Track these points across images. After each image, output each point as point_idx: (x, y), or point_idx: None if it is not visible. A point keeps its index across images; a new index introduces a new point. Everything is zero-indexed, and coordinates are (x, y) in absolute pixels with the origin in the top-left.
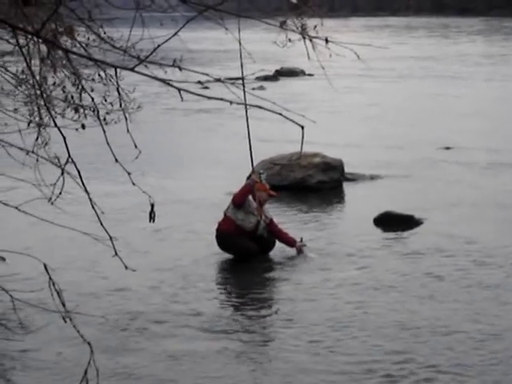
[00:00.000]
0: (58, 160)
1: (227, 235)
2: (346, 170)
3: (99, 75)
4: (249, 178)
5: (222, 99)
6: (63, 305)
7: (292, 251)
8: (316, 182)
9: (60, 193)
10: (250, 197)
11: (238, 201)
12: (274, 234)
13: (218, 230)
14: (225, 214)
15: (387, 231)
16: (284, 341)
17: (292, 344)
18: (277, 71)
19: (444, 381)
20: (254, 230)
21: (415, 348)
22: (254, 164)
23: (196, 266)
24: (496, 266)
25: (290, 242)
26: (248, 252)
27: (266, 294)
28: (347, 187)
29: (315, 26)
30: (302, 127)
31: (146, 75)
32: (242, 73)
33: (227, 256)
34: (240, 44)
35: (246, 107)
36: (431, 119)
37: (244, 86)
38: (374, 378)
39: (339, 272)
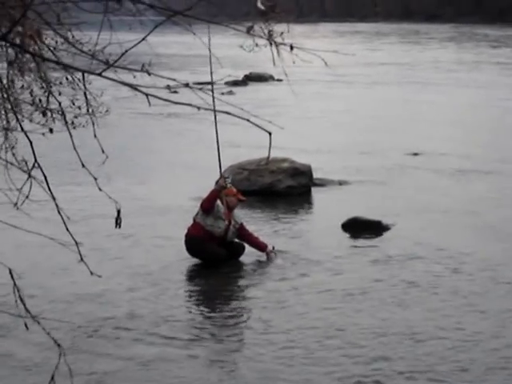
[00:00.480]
0: (26, 164)
1: (196, 240)
2: (315, 175)
3: (67, 79)
4: (217, 182)
5: (189, 105)
6: (27, 311)
7: (261, 256)
8: (285, 187)
9: (27, 196)
10: (219, 202)
11: (206, 206)
12: (245, 238)
13: (187, 235)
14: (194, 220)
15: (355, 236)
16: (253, 348)
17: (261, 351)
18: (246, 76)
19: None
20: (223, 236)
21: (387, 355)
22: (223, 169)
23: (165, 271)
24: (465, 273)
25: (260, 246)
26: (217, 257)
27: (235, 300)
28: (316, 193)
29: (282, 33)
30: (270, 133)
31: (113, 80)
32: (212, 78)
33: (196, 261)
34: (210, 51)
35: (214, 113)
36: (400, 125)
37: (213, 92)
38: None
39: (308, 277)
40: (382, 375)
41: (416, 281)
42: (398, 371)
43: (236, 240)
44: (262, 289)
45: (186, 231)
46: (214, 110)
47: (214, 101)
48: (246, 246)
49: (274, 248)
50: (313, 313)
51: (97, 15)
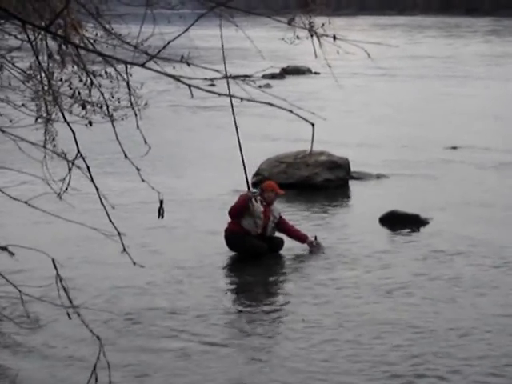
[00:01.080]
0: (65, 155)
1: (235, 235)
2: (352, 168)
3: (106, 72)
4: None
5: (232, 96)
6: (70, 301)
7: (303, 250)
8: (322, 181)
9: (66, 188)
10: (255, 202)
11: (234, 215)
12: (285, 231)
13: (226, 230)
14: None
15: (393, 230)
16: (291, 344)
17: (299, 348)
18: (283, 69)
19: None
20: (262, 233)
21: (431, 351)
22: (261, 161)
23: (205, 264)
24: (507, 268)
25: (301, 238)
26: (256, 250)
27: (274, 295)
28: (353, 186)
29: (323, 24)
30: (313, 125)
31: (156, 71)
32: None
33: (237, 255)
34: (222, 45)
35: (232, 103)
36: (440, 119)
37: (226, 84)
38: (383, 380)
39: (347, 272)
40: (423, 370)
41: (457, 276)
42: (439, 367)
43: (276, 235)
44: (301, 283)
45: (225, 226)
46: (254, 101)
47: (230, 95)
48: (287, 239)
49: (316, 238)
50: (350, 306)
51: (135, 8)
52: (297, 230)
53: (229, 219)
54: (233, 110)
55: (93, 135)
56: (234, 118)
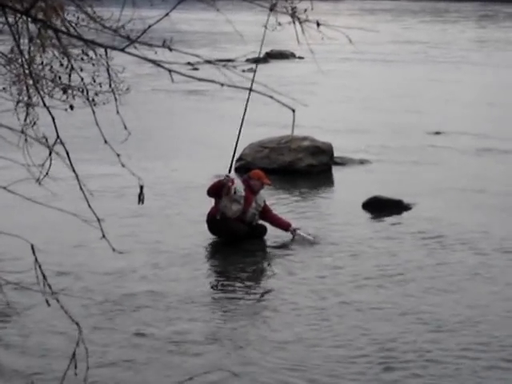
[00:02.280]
0: (47, 140)
1: (215, 219)
2: (336, 154)
3: (87, 55)
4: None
5: (212, 81)
6: (49, 287)
7: (286, 236)
8: (305, 166)
9: (47, 173)
10: (239, 186)
11: (209, 192)
12: (268, 218)
13: (208, 214)
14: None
15: (376, 215)
16: (275, 325)
17: (282, 333)
18: (267, 53)
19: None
20: (239, 218)
21: (402, 335)
22: (244, 146)
23: (186, 249)
24: (485, 253)
25: (283, 225)
26: (235, 233)
27: (256, 279)
28: (336, 171)
29: (305, 10)
30: (293, 110)
31: (136, 56)
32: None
33: (218, 240)
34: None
35: (250, 91)
36: (424, 105)
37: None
38: (366, 367)
39: (327, 257)
40: (398, 355)
41: (439, 262)
42: (417, 353)
43: (259, 222)
44: (283, 268)
45: (208, 211)
46: (236, 87)
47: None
48: (269, 227)
49: (295, 230)
50: (334, 293)
51: None
52: (280, 218)
53: (212, 203)
54: (247, 100)
55: (74, 120)
56: (246, 105)
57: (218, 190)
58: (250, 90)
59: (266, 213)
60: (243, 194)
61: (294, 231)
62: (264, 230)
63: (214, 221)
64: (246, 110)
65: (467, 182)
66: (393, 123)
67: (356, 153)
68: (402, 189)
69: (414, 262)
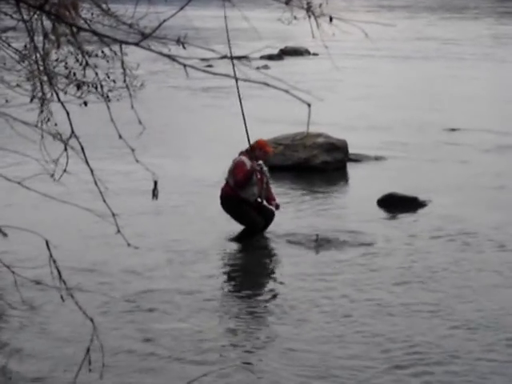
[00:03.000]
0: (61, 136)
1: (232, 200)
2: (350, 150)
3: (102, 52)
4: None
5: (227, 75)
6: (63, 282)
7: (298, 235)
8: (320, 163)
9: (65, 170)
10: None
11: (242, 185)
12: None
13: (222, 195)
14: (226, 181)
15: (391, 212)
16: (286, 323)
17: (290, 330)
18: (281, 50)
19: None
20: (257, 201)
21: (417, 330)
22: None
23: (200, 246)
24: (499, 252)
25: (272, 199)
26: (256, 226)
27: (268, 276)
28: (351, 168)
29: (320, 5)
30: (309, 105)
31: (151, 50)
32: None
33: (232, 235)
34: (226, 22)
35: (235, 83)
36: (440, 101)
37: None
38: (377, 367)
39: (342, 254)
40: (401, 351)
41: (454, 259)
42: (426, 345)
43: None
44: (297, 266)
45: (220, 192)
46: (251, 81)
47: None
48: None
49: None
50: (349, 288)
51: None
52: (272, 193)
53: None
54: (239, 93)
55: (88, 116)
56: (240, 98)
57: (248, 179)
58: (265, 84)
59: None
60: (258, 176)
61: (277, 207)
62: (272, 214)
63: (232, 202)
64: (240, 102)
65: (484, 180)
66: (409, 120)
67: (371, 149)
68: (417, 186)
69: (429, 260)
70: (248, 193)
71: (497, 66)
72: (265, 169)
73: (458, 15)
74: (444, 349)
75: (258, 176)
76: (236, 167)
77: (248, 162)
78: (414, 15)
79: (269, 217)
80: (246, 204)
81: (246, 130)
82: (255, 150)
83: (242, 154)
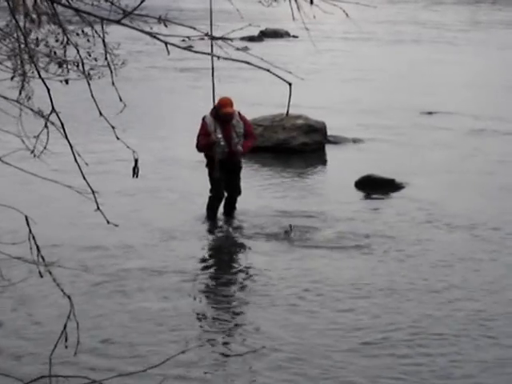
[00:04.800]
0: (42, 113)
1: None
2: (329, 132)
3: (82, 31)
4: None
5: (208, 53)
6: (42, 258)
7: (278, 213)
8: (299, 144)
9: (45, 147)
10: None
11: (201, 150)
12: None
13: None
14: None
15: (368, 194)
16: (256, 308)
17: (264, 312)
18: (261, 32)
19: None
20: (229, 152)
21: (398, 310)
22: None
23: (178, 225)
24: (474, 233)
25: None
26: (212, 190)
27: (248, 255)
28: (329, 150)
29: None
30: (290, 84)
31: (132, 27)
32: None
33: (204, 213)
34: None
35: (211, 60)
36: (420, 85)
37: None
38: (350, 345)
39: (319, 234)
40: (392, 333)
41: (428, 239)
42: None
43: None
44: (274, 246)
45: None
46: (232, 60)
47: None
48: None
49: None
50: (322, 268)
51: None
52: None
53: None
54: (213, 68)
55: (70, 95)
56: (212, 71)
57: (208, 147)
58: (247, 62)
59: (249, 135)
60: (220, 135)
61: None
62: (238, 189)
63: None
64: (213, 77)
65: (459, 163)
66: (388, 103)
67: (349, 131)
68: (395, 168)
69: (402, 240)
70: (219, 154)
71: (478, 50)
72: (235, 120)
73: (439, 1)
74: (418, 329)
75: (220, 135)
76: (200, 126)
77: (210, 122)
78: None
79: (234, 189)
80: (213, 164)
81: (213, 88)
82: (218, 110)
83: (211, 111)
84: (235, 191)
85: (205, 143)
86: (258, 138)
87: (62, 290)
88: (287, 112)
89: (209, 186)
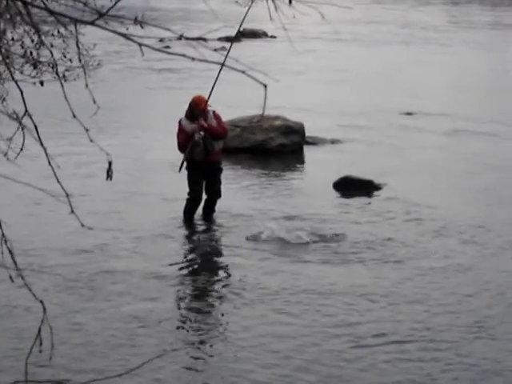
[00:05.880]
0: (16, 115)
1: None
2: (307, 133)
3: (58, 32)
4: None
5: (183, 55)
6: (14, 262)
7: (255, 215)
8: (277, 145)
9: (21, 149)
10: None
11: (180, 149)
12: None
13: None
14: None
15: (346, 195)
16: (238, 309)
17: (247, 313)
18: (239, 32)
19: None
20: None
21: (374, 312)
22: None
23: (154, 227)
24: (452, 233)
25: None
26: (190, 193)
27: (223, 258)
28: (308, 151)
29: None
30: (265, 86)
31: (106, 29)
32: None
33: (181, 216)
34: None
35: (219, 68)
36: (399, 86)
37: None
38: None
39: (297, 237)
40: (351, 332)
41: (404, 240)
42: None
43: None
44: (251, 248)
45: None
46: (207, 61)
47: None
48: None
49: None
50: (301, 270)
51: None
52: (217, 129)
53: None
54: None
55: (44, 96)
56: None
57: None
58: (222, 64)
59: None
60: (202, 135)
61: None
62: (218, 191)
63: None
64: (214, 84)
65: (438, 163)
66: (364, 103)
67: (328, 132)
68: (372, 169)
69: (380, 240)
70: (196, 154)
71: (462, 51)
72: (209, 119)
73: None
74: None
75: (202, 134)
76: (177, 130)
77: (186, 124)
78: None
79: (214, 192)
80: (192, 167)
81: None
82: (192, 110)
83: (186, 113)
84: (215, 194)
85: (186, 143)
86: (236, 139)
87: (34, 295)
88: (262, 114)
89: (187, 189)
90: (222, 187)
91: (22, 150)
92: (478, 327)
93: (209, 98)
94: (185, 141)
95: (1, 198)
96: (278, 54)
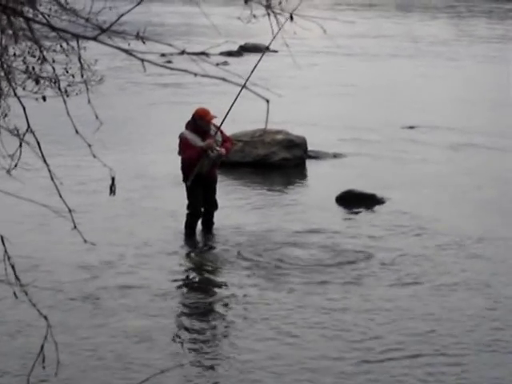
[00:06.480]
0: (18, 131)
1: (189, 168)
2: (310, 147)
3: (61, 46)
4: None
5: (185, 70)
6: (17, 279)
7: (256, 230)
8: (279, 160)
9: (16, 165)
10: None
11: (187, 162)
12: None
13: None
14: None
15: (349, 209)
16: (238, 326)
17: (249, 329)
18: (241, 47)
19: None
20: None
21: (373, 326)
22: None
23: (158, 242)
24: (459, 248)
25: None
26: (191, 207)
27: (225, 272)
28: (310, 165)
29: (280, 2)
30: (267, 101)
31: (108, 45)
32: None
33: (188, 234)
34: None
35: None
36: (401, 99)
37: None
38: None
39: (299, 250)
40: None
41: (405, 254)
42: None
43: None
44: (252, 263)
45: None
46: (210, 77)
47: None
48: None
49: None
50: (301, 285)
51: None
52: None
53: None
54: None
55: (47, 112)
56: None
57: (194, 160)
58: (223, 79)
59: (226, 139)
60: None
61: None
62: (214, 203)
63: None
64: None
65: (441, 177)
66: (367, 117)
67: (330, 146)
68: (376, 183)
69: (382, 255)
70: (204, 167)
71: (466, 64)
72: (213, 131)
73: (448, 14)
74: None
75: (217, 150)
76: (180, 143)
77: (192, 137)
78: (377, 14)
79: (210, 203)
80: (196, 181)
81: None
82: (196, 121)
83: (187, 125)
84: (212, 205)
85: (199, 159)
86: (238, 153)
87: (39, 311)
88: (265, 130)
89: (186, 202)
90: (224, 201)
91: (16, 165)
92: (491, 344)
93: (226, 117)
94: (198, 156)
95: (4, 214)
96: (279, 69)
